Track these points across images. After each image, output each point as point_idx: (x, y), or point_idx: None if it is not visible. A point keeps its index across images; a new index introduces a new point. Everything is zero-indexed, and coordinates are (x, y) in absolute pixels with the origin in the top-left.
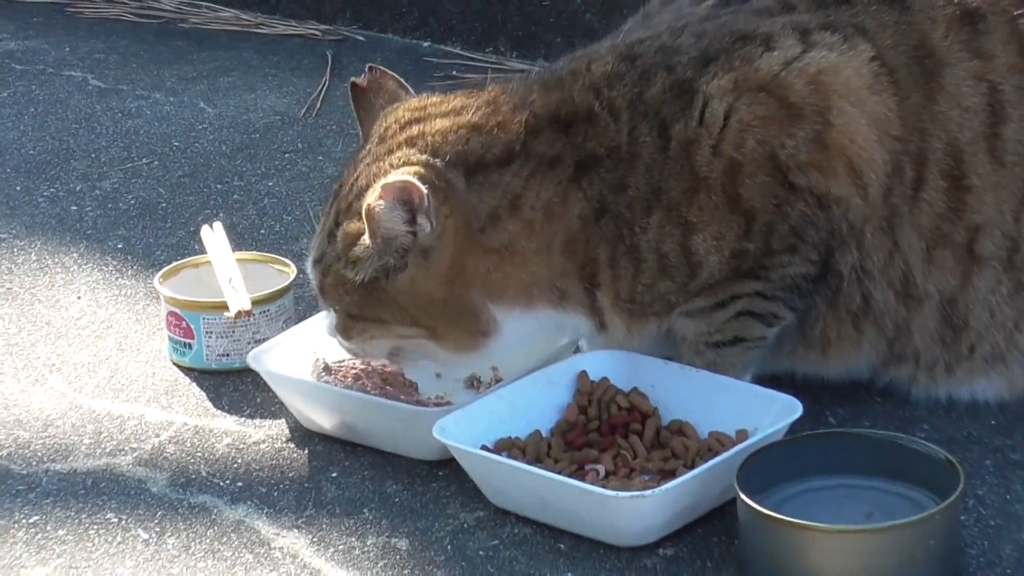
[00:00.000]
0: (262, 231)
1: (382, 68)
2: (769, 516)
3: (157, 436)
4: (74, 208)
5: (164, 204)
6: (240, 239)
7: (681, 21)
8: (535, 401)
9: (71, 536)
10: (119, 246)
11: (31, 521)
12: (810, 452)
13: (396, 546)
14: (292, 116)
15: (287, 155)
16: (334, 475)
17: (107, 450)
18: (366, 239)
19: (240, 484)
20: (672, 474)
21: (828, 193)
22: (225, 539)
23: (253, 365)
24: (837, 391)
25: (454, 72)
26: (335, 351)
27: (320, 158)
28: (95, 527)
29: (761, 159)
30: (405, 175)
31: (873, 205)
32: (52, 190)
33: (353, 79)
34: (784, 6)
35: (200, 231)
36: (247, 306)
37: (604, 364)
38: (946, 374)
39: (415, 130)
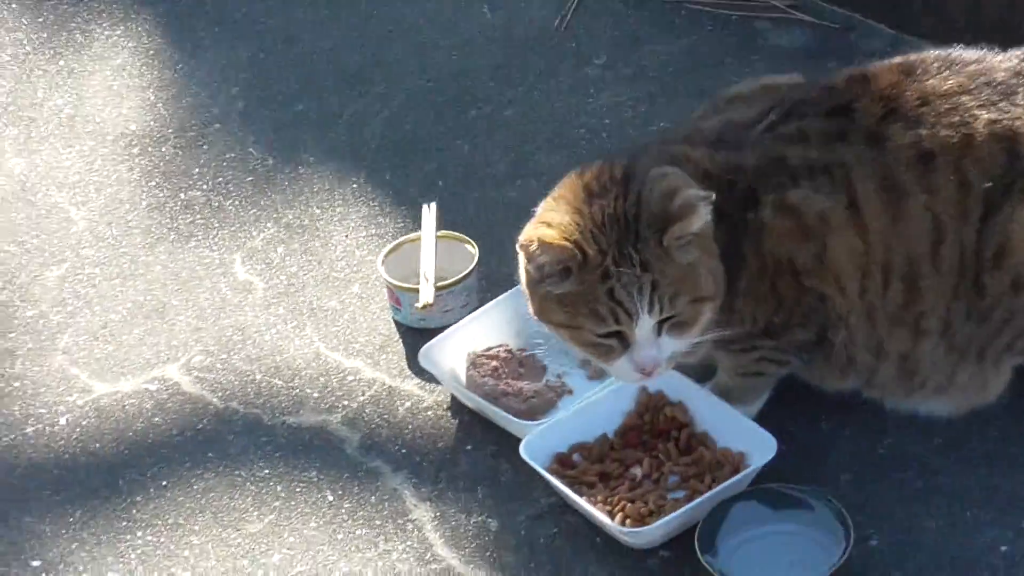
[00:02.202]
0: (492, 167)
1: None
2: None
3: (363, 394)
4: (366, 130)
5: (425, 132)
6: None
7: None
8: (603, 410)
9: (284, 493)
10: (387, 177)
11: (262, 475)
12: (748, 505)
13: (489, 526)
14: (547, 29)
15: (529, 78)
16: (468, 448)
17: (327, 405)
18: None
19: (404, 451)
20: (695, 478)
21: (823, 293)
22: (380, 506)
23: (422, 362)
24: (832, 401)
25: None
26: (481, 343)
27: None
28: (301, 485)
29: (785, 259)
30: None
31: (852, 301)
32: (353, 109)
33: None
34: (800, 136)
35: (422, 209)
36: (431, 300)
37: (659, 380)
38: (906, 397)
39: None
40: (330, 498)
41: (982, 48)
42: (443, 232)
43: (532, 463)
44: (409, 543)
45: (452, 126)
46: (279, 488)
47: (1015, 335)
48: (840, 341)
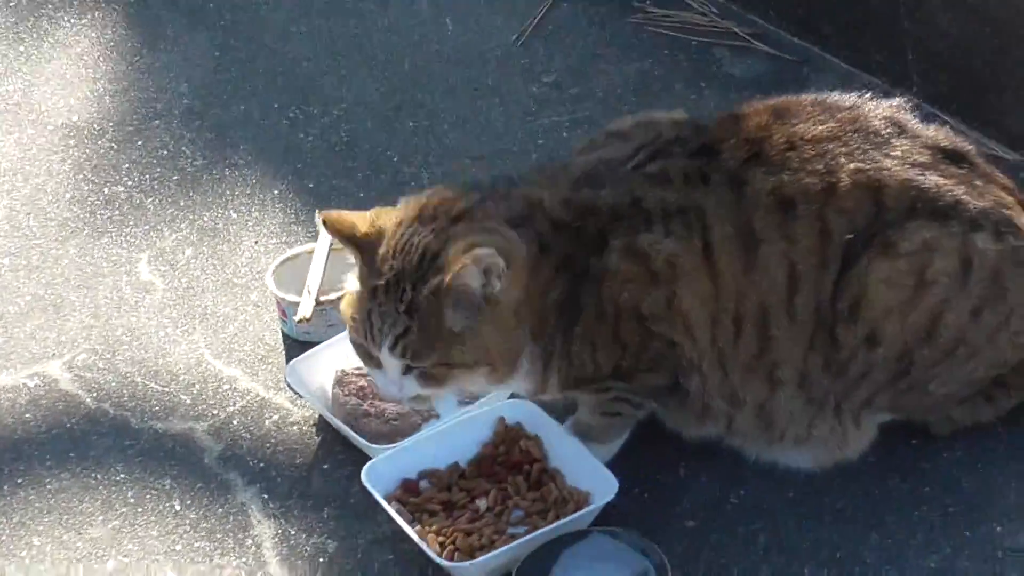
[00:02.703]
0: (417, 180)
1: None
2: None
3: (234, 404)
4: (302, 135)
5: (361, 141)
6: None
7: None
8: (459, 438)
9: (133, 498)
10: (310, 185)
11: (118, 479)
12: (573, 547)
13: (327, 548)
14: (505, 44)
15: (476, 91)
16: (325, 467)
17: (197, 413)
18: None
19: (262, 465)
20: (538, 514)
21: (672, 339)
22: (225, 520)
23: (288, 377)
24: (696, 447)
25: None
26: (353, 361)
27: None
28: (152, 492)
29: (630, 307)
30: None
31: (703, 349)
32: (295, 114)
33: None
34: (662, 177)
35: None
36: (308, 315)
37: (519, 412)
38: (766, 447)
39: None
40: (177, 507)
41: (870, 92)
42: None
43: (371, 488)
44: (244, 559)
45: (387, 137)
46: (129, 494)
47: (873, 391)
48: (695, 388)
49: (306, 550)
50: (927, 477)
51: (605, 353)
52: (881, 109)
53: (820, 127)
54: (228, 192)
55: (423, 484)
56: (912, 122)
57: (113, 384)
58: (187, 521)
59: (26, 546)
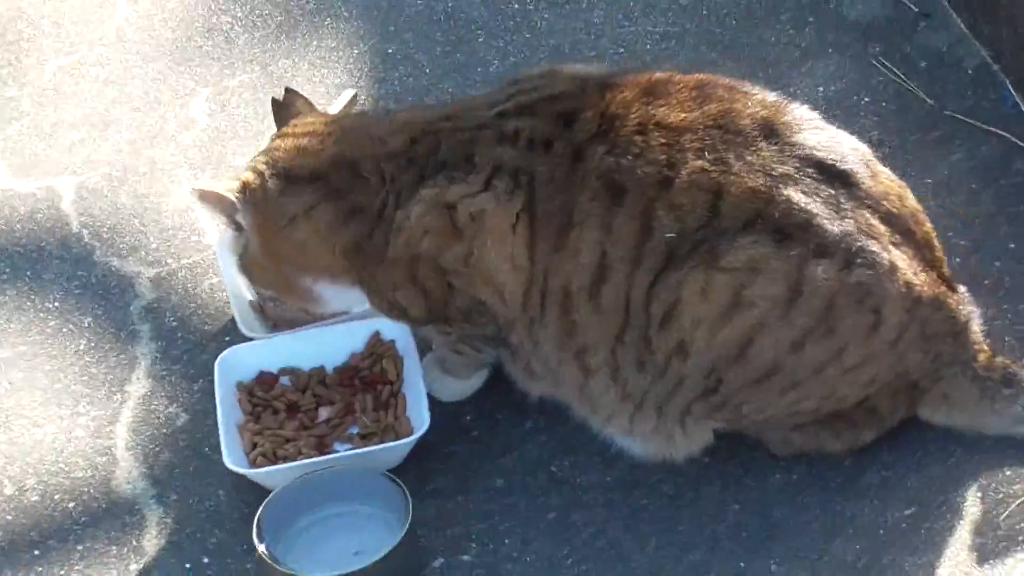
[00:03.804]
0: None
1: (295, 90)
2: (272, 565)
3: (188, 258)
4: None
5: (463, 18)
6: None
7: (452, 119)
8: (331, 342)
9: (51, 329)
10: (389, 50)
11: (50, 307)
12: (314, 488)
13: (176, 421)
14: None
15: None
16: (226, 340)
17: (152, 259)
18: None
19: (174, 324)
20: (368, 436)
21: (476, 297)
22: (112, 371)
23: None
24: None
25: None
26: None
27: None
28: (70, 327)
29: (429, 258)
30: (211, 186)
31: (515, 311)
32: None
33: (273, 96)
34: (511, 137)
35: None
36: None
37: (396, 329)
38: (602, 425)
39: (276, 143)
40: (82, 347)
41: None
42: None
43: (216, 375)
44: (106, 411)
45: (487, 17)
46: (51, 323)
47: (687, 401)
48: (516, 346)
49: (159, 417)
50: (744, 495)
51: (408, 298)
52: (759, 108)
53: (681, 115)
54: (314, 43)
55: (283, 380)
56: (793, 127)
57: (104, 214)
58: (81, 362)
59: None
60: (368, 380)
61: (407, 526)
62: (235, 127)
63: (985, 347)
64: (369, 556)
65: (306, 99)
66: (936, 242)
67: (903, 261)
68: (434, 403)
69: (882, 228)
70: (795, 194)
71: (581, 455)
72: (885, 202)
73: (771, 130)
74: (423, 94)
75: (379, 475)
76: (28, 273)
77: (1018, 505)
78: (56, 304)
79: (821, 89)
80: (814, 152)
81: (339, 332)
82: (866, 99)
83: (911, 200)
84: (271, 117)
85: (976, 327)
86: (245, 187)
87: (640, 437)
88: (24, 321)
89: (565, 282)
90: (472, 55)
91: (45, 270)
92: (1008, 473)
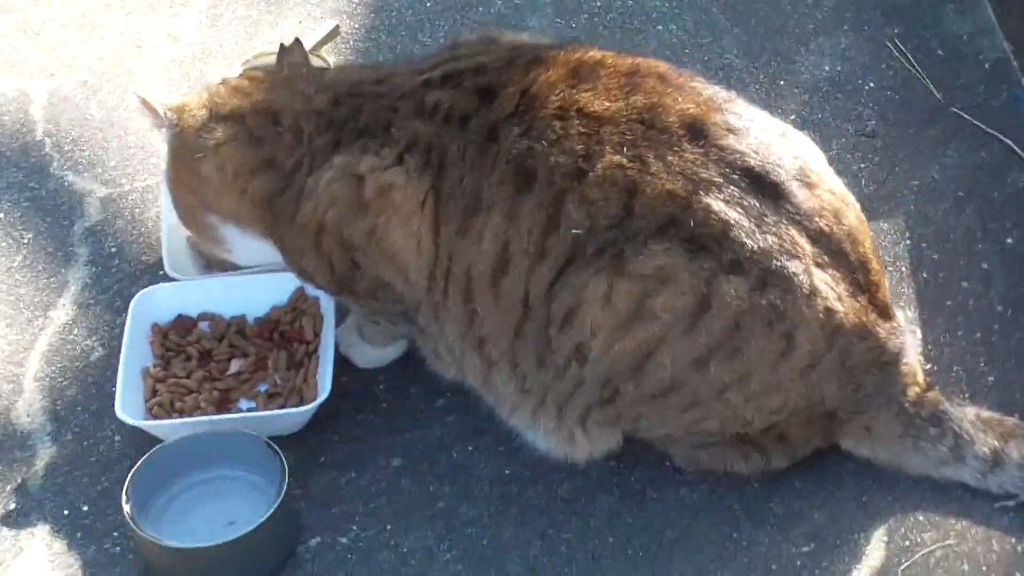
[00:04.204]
0: None
1: (301, 42)
2: (136, 529)
3: (143, 181)
4: None
5: None
6: None
7: (381, 83)
8: (255, 292)
9: None
10: None
11: None
12: (192, 450)
13: (91, 354)
14: None
15: None
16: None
17: (107, 178)
18: None
19: (112, 250)
20: (274, 396)
21: (379, 276)
22: (40, 291)
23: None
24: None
25: None
26: None
27: None
28: (10, 240)
29: (334, 230)
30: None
31: (418, 293)
32: None
33: (282, 43)
34: (429, 110)
35: None
36: None
37: (318, 291)
38: (510, 415)
39: (228, 80)
40: (19, 261)
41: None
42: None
43: (128, 317)
44: (36, 322)
45: None
46: None
47: (587, 405)
48: (425, 324)
49: (74, 349)
50: (640, 508)
51: (314, 266)
52: (691, 105)
53: (605, 104)
54: None
55: (201, 326)
56: (724, 128)
57: (71, 123)
58: (11, 280)
59: None
60: (287, 336)
61: (280, 500)
62: (221, 46)
63: (920, 380)
64: (241, 528)
65: (305, 54)
66: (875, 264)
67: (826, 284)
68: (348, 367)
69: (808, 247)
70: (715, 202)
71: (485, 441)
72: (818, 218)
73: (699, 130)
74: (416, 30)
75: (261, 441)
76: None
77: (922, 556)
78: (1, 215)
79: (827, 68)
80: (743, 158)
81: (264, 282)
82: (871, 84)
83: (851, 217)
84: (258, 39)
85: (912, 357)
86: (180, 110)
87: (543, 432)
88: None
89: (468, 268)
90: None
91: (1, 178)
92: (920, 519)
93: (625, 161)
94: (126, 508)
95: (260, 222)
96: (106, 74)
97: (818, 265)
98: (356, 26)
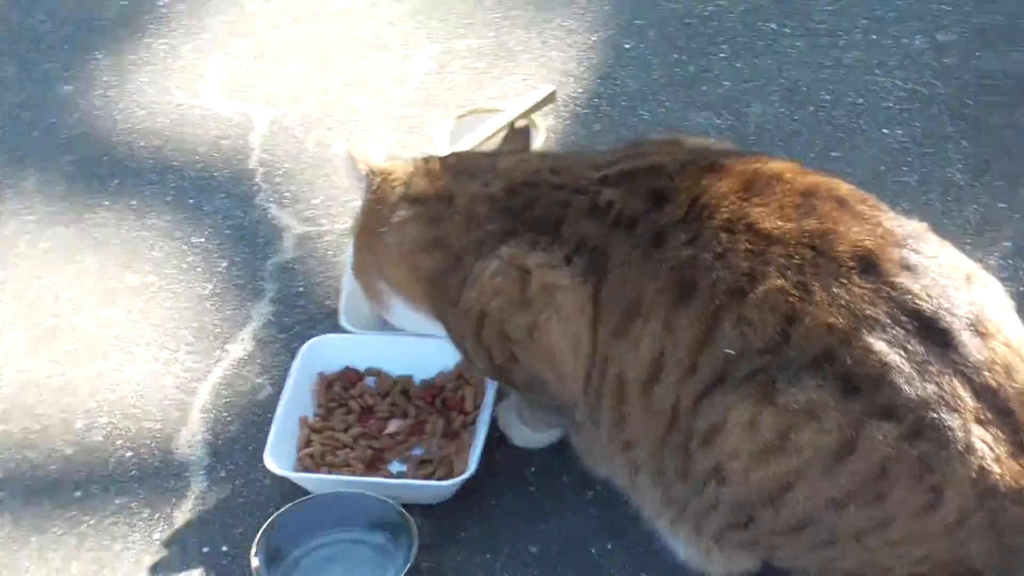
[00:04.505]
0: None
1: (528, 130)
2: None
3: None
4: None
5: None
6: None
7: (558, 174)
8: (424, 354)
9: None
10: None
11: None
12: (329, 508)
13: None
14: None
15: None
16: None
17: None
18: None
19: None
20: (424, 464)
21: (536, 373)
22: None
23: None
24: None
25: None
26: None
27: None
28: None
29: (495, 321)
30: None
31: (575, 393)
32: None
33: (513, 122)
34: (601, 209)
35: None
36: None
37: None
38: (654, 519)
39: (430, 164)
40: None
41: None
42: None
43: (296, 364)
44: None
45: None
46: None
47: (720, 527)
48: (581, 424)
49: (244, 385)
50: None
51: (474, 351)
52: (865, 236)
53: (777, 223)
54: (555, 21)
55: (368, 381)
56: (899, 266)
57: (285, 155)
58: (199, 307)
59: None
60: (448, 404)
61: (404, 572)
62: (443, 93)
63: None
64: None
65: (527, 143)
66: None
67: (984, 443)
68: (504, 443)
69: (970, 401)
70: (876, 342)
71: (626, 541)
72: (987, 372)
73: (871, 264)
74: (638, 102)
75: (396, 508)
76: (191, 200)
77: None
78: (202, 240)
79: None
80: (914, 299)
81: (434, 346)
82: None
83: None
84: (481, 92)
85: None
86: (385, 175)
87: (683, 542)
88: (166, 251)
89: (621, 371)
90: (706, 70)
91: (208, 201)
92: None
93: (788, 286)
94: (254, 562)
95: (426, 299)
96: (329, 110)
97: (979, 422)
98: (579, 91)
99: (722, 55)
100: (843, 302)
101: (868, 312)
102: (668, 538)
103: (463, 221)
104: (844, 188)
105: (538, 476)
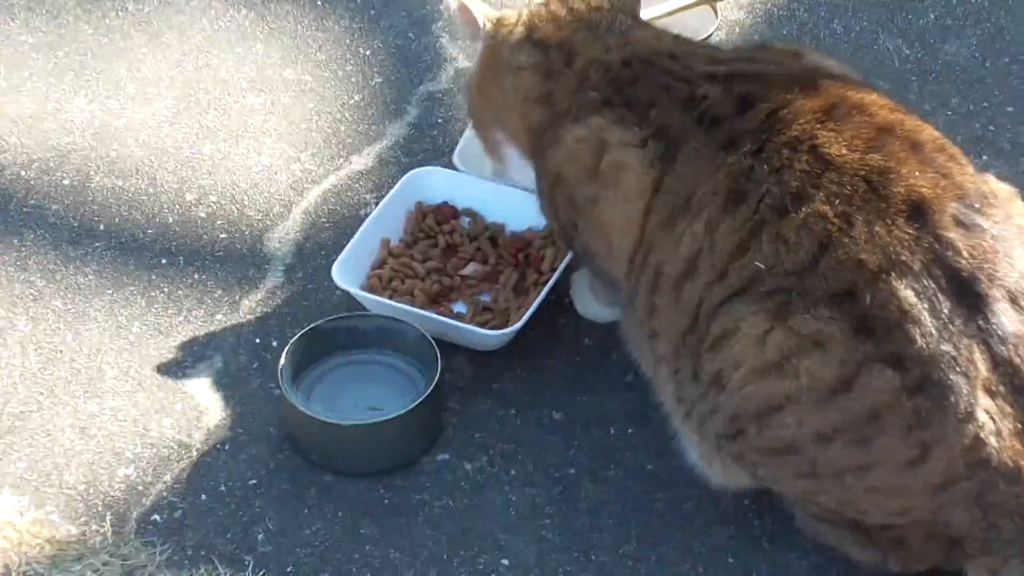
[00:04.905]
0: None
1: None
2: (300, 411)
3: None
4: None
5: None
6: None
7: (674, 58)
8: (519, 206)
9: None
10: None
11: None
12: (354, 331)
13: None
14: None
15: None
16: None
17: None
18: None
19: None
20: (484, 311)
21: (589, 244)
22: None
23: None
24: None
25: None
26: None
27: None
28: None
29: (566, 185)
30: (473, 6)
31: (618, 272)
32: None
33: None
34: (692, 102)
35: None
36: None
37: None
38: (671, 414)
39: (553, 7)
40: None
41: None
42: None
43: (399, 189)
44: None
45: None
46: None
47: (717, 433)
48: (624, 302)
49: (354, 198)
50: (749, 553)
51: (548, 210)
52: (926, 184)
53: (842, 150)
54: None
55: (463, 219)
56: (951, 220)
57: None
58: (347, 113)
59: None
60: (529, 259)
61: (422, 399)
62: None
63: None
64: (383, 414)
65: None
66: None
67: (989, 415)
68: (571, 311)
69: (984, 370)
70: (903, 288)
71: (646, 430)
72: (1012, 346)
73: (921, 211)
74: (834, 14)
75: (427, 339)
76: (373, 11)
77: None
78: (368, 53)
79: None
80: (954, 257)
81: (533, 200)
82: None
83: None
84: None
85: None
86: (498, 23)
87: (691, 444)
88: (330, 54)
89: (660, 263)
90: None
91: (388, 16)
92: None
93: (831, 214)
94: (282, 363)
95: (529, 150)
96: None
97: (988, 392)
98: None
99: None
100: (881, 241)
101: (903, 257)
102: (680, 436)
103: (575, 82)
104: (927, 134)
105: (589, 349)
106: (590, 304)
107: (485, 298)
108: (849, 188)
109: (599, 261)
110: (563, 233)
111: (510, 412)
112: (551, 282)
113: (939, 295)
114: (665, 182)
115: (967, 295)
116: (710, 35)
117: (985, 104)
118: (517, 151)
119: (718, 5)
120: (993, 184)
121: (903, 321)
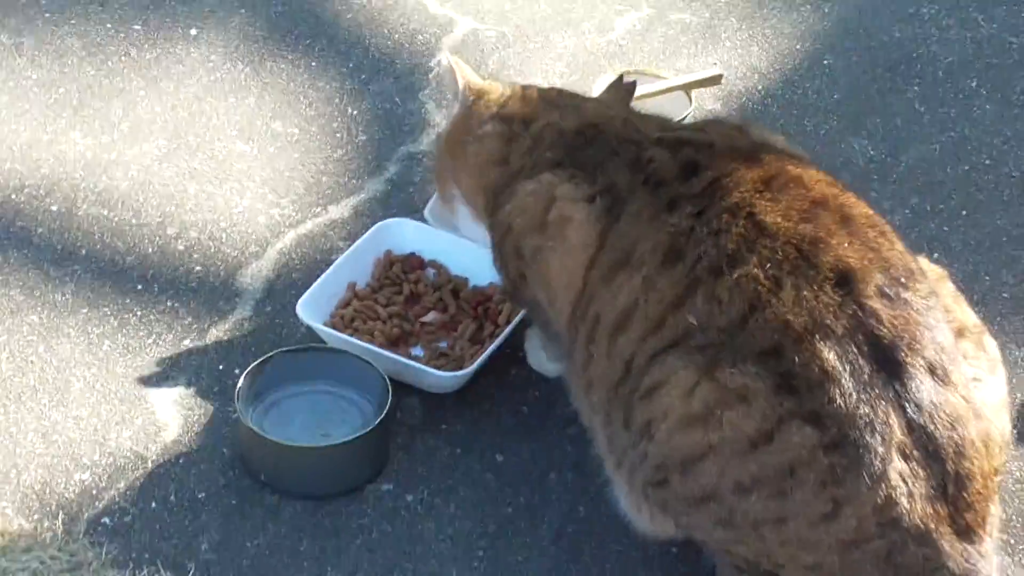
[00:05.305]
0: None
1: (631, 85)
2: (254, 431)
3: None
4: None
5: None
6: None
7: (626, 124)
8: (485, 264)
9: None
10: None
11: None
12: (311, 362)
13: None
14: None
15: None
16: None
17: None
18: None
19: None
20: (438, 358)
21: (536, 295)
22: None
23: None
24: None
25: None
26: None
27: None
28: None
29: (515, 237)
30: (461, 70)
31: (563, 321)
32: None
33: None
34: (635, 161)
35: None
36: None
37: None
38: (603, 462)
39: (529, 91)
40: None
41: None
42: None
43: (370, 237)
44: None
45: None
46: None
47: (645, 482)
48: (565, 355)
49: (326, 244)
50: None
51: (496, 261)
52: (852, 256)
53: (776, 219)
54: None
55: (428, 270)
56: (874, 292)
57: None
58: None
59: None
60: (488, 312)
61: (371, 428)
62: (636, 53)
63: None
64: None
65: (627, 96)
66: (982, 486)
67: (902, 476)
68: (524, 364)
69: (900, 435)
70: (826, 352)
71: (582, 477)
72: (928, 415)
73: (847, 280)
74: (809, 114)
75: (380, 374)
76: (363, 76)
77: None
78: (355, 112)
79: None
80: (876, 325)
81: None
82: None
83: (971, 431)
84: (666, 63)
85: None
86: (479, 94)
87: (622, 491)
88: (318, 111)
89: (599, 312)
90: (887, 104)
91: (377, 81)
92: None
93: (763, 276)
94: (239, 387)
95: (484, 210)
96: (523, 35)
97: (902, 455)
98: (758, 88)
99: (910, 95)
100: (808, 305)
101: (828, 321)
102: (612, 484)
103: (529, 144)
104: (859, 210)
105: (536, 400)
106: (541, 359)
107: (443, 345)
108: (781, 254)
109: (544, 312)
110: (512, 285)
111: (455, 451)
112: (505, 332)
113: (860, 359)
114: (609, 237)
115: (887, 361)
116: (684, 118)
117: (942, 206)
118: (468, 209)
119: (692, 93)
120: (924, 263)
121: (824, 381)
